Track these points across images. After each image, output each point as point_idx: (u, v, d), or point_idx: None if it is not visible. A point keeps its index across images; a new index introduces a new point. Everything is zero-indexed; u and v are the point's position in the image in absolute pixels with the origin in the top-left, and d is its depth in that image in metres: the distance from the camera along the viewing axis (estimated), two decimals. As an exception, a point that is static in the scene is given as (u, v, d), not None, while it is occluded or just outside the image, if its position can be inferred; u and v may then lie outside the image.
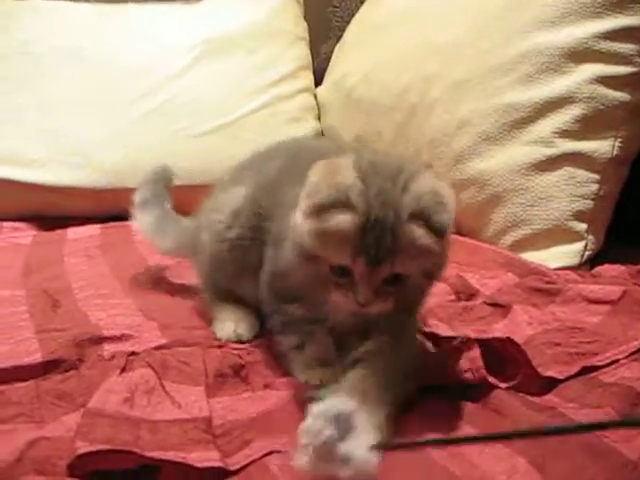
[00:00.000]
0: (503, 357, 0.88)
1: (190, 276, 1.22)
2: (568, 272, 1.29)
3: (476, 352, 0.85)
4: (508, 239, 1.43)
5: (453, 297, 1.17)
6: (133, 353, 0.92)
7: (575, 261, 1.36)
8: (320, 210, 0.77)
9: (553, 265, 1.33)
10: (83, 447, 0.66)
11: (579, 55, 1.39)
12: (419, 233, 0.77)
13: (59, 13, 2.08)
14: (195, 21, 2.13)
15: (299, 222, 0.81)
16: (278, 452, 0.71)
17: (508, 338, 0.88)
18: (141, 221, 1.29)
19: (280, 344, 0.92)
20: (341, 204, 0.76)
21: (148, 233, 1.29)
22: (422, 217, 0.77)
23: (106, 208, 1.92)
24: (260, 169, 1.07)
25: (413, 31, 1.81)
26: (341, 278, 0.79)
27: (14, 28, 2.01)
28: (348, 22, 2.37)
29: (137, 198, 1.31)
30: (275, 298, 0.93)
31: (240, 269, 1.02)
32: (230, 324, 1.02)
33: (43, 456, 0.68)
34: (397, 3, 2.01)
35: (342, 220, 0.76)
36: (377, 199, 0.77)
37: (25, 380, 0.87)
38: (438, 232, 0.77)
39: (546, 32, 1.42)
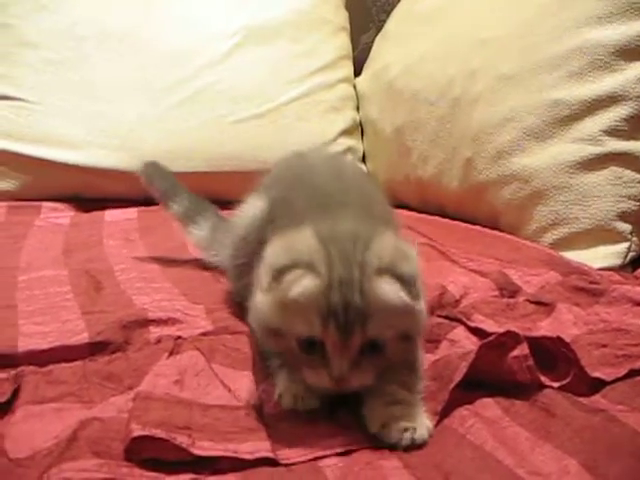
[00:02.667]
0: (551, 356, 0.87)
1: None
2: (611, 273, 1.27)
3: (525, 350, 0.84)
4: (550, 237, 1.42)
5: (496, 293, 1.16)
6: (179, 337, 0.92)
7: (617, 262, 1.35)
8: (279, 276, 0.72)
9: (595, 265, 1.31)
10: (137, 430, 0.67)
11: (630, 53, 1.37)
12: (388, 288, 0.72)
13: (104, -4, 2.09)
14: (237, 7, 2.12)
15: (259, 300, 0.77)
16: (333, 456, 0.70)
17: (558, 337, 0.87)
18: (196, 236, 1.28)
19: (270, 365, 0.83)
20: (302, 266, 0.71)
21: (203, 249, 1.28)
22: (388, 270, 0.72)
23: (143, 191, 1.92)
24: (273, 184, 1.05)
25: (458, 24, 1.80)
26: (311, 354, 0.73)
27: (60, 10, 2.01)
28: (388, 13, 2.36)
29: (177, 210, 1.32)
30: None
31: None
32: None
33: (97, 437, 0.68)
34: (441, -5, 1.99)
35: (305, 284, 0.71)
36: (339, 259, 0.72)
37: (72, 360, 0.88)
38: (406, 283, 0.72)
39: (596, 28, 1.40)
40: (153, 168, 1.39)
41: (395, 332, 0.75)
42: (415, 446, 0.71)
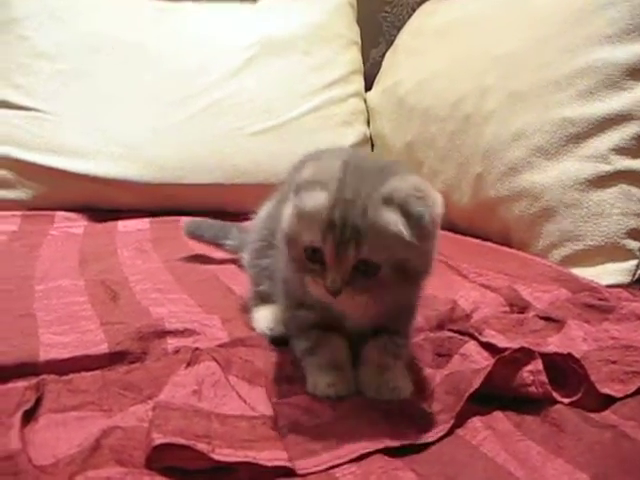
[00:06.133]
0: (562, 372, 0.89)
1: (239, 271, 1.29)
2: (620, 290, 1.29)
3: (538, 365, 0.85)
4: (559, 253, 1.43)
5: (507, 309, 1.18)
6: (197, 349, 0.94)
7: (626, 279, 1.36)
8: (298, 189, 0.81)
9: (604, 282, 1.33)
10: (158, 438, 0.68)
11: (639, 72, 1.39)
12: (390, 217, 0.77)
13: (119, 7, 2.12)
14: (251, 21, 2.16)
15: (285, 211, 0.85)
16: (347, 463, 0.72)
17: (569, 353, 0.88)
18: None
19: (294, 349, 0.94)
20: (317, 184, 0.80)
21: None
22: (396, 203, 0.77)
23: (155, 202, 1.96)
24: (286, 181, 1.09)
25: (470, 41, 1.82)
26: (314, 263, 0.81)
27: (74, 21, 2.05)
28: (399, 28, 2.39)
29: (232, 244, 1.40)
30: (290, 305, 0.95)
31: (259, 271, 1.08)
32: (264, 321, 1.04)
33: (119, 445, 0.70)
34: (452, 12, 2.02)
35: (315, 197, 0.79)
36: (352, 184, 0.79)
37: (92, 370, 0.90)
38: (413, 219, 0.77)
39: (607, 48, 1.43)
40: (194, 225, 1.47)
41: (389, 259, 0.79)
42: (399, 400, 0.83)
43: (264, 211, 1.12)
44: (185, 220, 1.52)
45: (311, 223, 0.79)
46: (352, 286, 0.79)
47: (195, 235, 1.45)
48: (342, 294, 0.79)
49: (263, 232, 1.08)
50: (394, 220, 0.77)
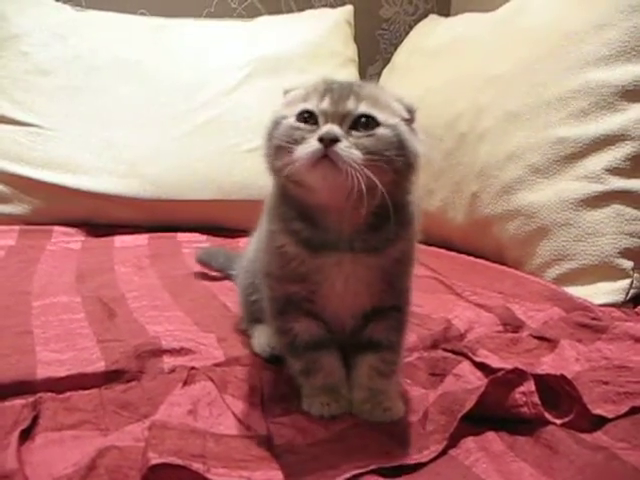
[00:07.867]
0: (554, 392, 0.89)
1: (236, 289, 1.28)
2: (613, 309, 1.30)
3: (531, 386, 0.86)
4: (553, 272, 1.44)
5: (501, 328, 1.19)
6: (193, 368, 0.94)
7: (619, 298, 1.37)
8: (289, 91, 0.91)
9: (597, 301, 1.34)
10: (154, 458, 0.69)
11: (633, 94, 1.41)
12: (385, 93, 0.86)
13: (117, 25, 2.14)
14: (248, 39, 2.18)
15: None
16: None
17: (562, 375, 0.89)
18: None
19: (289, 367, 0.94)
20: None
21: None
22: (389, 92, 0.87)
23: (152, 218, 1.97)
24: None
25: (465, 60, 1.84)
26: (307, 127, 0.81)
27: (73, 38, 2.07)
28: (395, 45, 2.42)
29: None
30: (275, 310, 0.93)
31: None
32: (264, 339, 1.04)
33: (115, 465, 0.70)
34: (448, 31, 2.04)
35: (310, 81, 0.87)
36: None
37: (89, 388, 0.90)
38: (403, 104, 0.86)
39: (601, 69, 1.45)
40: (206, 253, 1.52)
41: (387, 121, 0.81)
42: (393, 421, 0.86)
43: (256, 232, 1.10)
44: (198, 249, 1.57)
45: (306, 94, 0.85)
46: (348, 139, 0.78)
47: (205, 263, 1.49)
48: (339, 144, 0.77)
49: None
50: (389, 95, 0.86)
